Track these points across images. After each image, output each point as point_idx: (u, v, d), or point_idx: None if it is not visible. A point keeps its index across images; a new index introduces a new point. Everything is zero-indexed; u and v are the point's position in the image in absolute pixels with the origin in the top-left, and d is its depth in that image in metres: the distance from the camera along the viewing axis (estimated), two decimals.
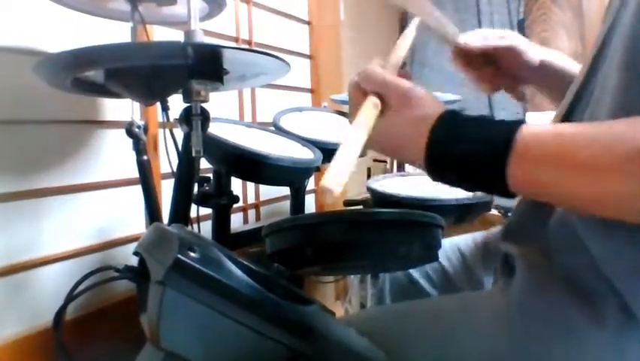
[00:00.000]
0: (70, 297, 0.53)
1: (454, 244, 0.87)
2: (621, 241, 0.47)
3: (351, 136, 0.48)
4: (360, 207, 1.26)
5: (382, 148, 0.55)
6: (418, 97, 0.51)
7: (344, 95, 1.62)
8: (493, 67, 0.79)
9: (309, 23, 1.97)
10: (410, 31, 0.69)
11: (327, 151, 1.18)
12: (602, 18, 0.56)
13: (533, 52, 0.78)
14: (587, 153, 0.42)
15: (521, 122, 0.46)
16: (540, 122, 0.72)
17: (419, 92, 0.52)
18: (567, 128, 0.47)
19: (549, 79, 0.79)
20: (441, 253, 0.83)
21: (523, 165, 0.44)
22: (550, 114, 0.63)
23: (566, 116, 0.56)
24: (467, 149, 0.47)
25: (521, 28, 2.52)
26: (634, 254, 0.47)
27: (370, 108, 0.51)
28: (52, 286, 1.02)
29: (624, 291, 0.47)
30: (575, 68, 0.77)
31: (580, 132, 0.44)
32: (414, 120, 0.50)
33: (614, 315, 0.48)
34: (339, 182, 0.43)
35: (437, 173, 0.50)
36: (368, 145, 0.52)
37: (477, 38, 0.78)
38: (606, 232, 0.48)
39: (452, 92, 1.51)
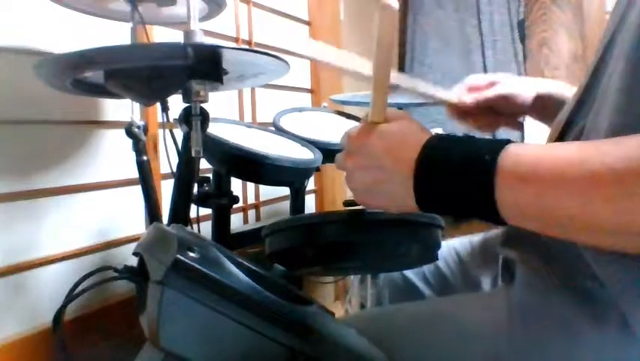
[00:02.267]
0: (69, 297, 0.53)
1: (451, 246, 0.87)
2: (620, 255, 0.46)
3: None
4: (360, 207, 1.26)
5: (370, 197, 0.54)
6: (389, 159, 0.49)
7: (344, 95, 1.62)
8: (489, 112, 0.81)
9: (309, 23, 1.97)
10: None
11: (327, 151, 1.18)
12: (608, 20, 0.55)
13: (526, 90, 0.79)
14: (576, 173, 0.40)
15: (508, 141, 0.44)
16: (538, 129, 0.72)
17: (387, 143, 0.50)
18: (556, 147, 0.45)
19: (546, 109, 0.79)
20: (438, 255, 0.83)
21: (511, 190, 0.43)
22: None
23: (568, 122, 0.56)
24: (454, 192, 0.45)
25: (521, 28, 2.52)
26: (631, 264, 0.46)
27: None
28: (51, 286, 1.02)
29: (620, 299, 0.47)
30: (568, 92, 0.77)
31: (569, 151, 0.42)
32: (391, 174, 0.49)
33: (613, 318, 0.48)
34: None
35: (425, 204, 0.48)
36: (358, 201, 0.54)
37: (469, 94, 0.80)
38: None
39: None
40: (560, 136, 0.56)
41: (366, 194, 0.53)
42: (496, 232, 0.84)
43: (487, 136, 0.57)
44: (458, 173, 0.45)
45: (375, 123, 0.52)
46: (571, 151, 0.42)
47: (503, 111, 0.81)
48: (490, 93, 0.79)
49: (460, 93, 0.81)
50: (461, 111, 0.81)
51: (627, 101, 0.44)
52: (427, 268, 0.86)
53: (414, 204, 0.48)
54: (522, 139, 1.02)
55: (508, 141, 0.44)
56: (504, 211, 0.43)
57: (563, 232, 0.43)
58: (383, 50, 0.50)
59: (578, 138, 0.52)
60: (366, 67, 0.58)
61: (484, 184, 0.43)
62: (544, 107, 0.80)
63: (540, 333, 0.52)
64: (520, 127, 0.86)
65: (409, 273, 0.86)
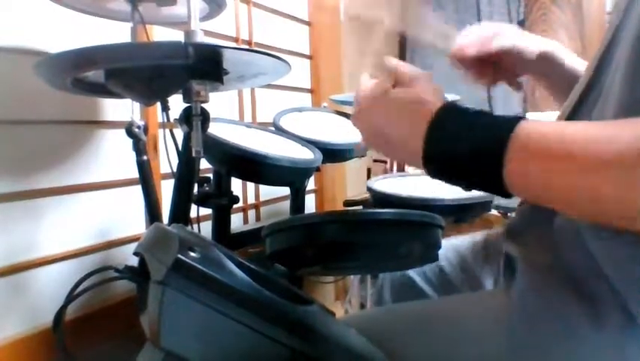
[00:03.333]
0: (70, 297, 0.53)
1: (453, 246, 0.87)
2: (623, 243, 0.47)
3: None
4: (360, 207, 1.26)
5: (382, 133, 0.54)
6: (422, 81, 0.53)
7: (344, 96, 1.62)
8: (491, 64, 0.79)
9: (309, 23, 1.97)
10: None
11: (327, 151, 1.18)
12: (609, 17, 0.55)
13: (531, 46, 0.77)
14: (583, 152, 0.41)
15: (520, 118, 0.45)
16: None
17: (426, 81, 0.53)
18: (567, 125, 0.46)
19: (548, 71, 0.78)
20: (439, 255, 0.83)
21: (520, 163, 0.44)
22: (550, 114, 0.63)
23: (571, 116, 0.56)
24: (463, 148, 0.46)
25: (521, 28, 2.52)
26: (636, 256, 0.47)
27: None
28: (52, 286, 1.02)
29: (625, 293, 0.47)
30: (573, 59, 0.77)
31: (579, 130, 0.43)
32: (416, 101, 0.51)
33: (614, 316, 0.48)
34: None
35: (433, 168, 0.49)
36: (366, 133, 0.54)
37: (473, 42, 0.78)
38: (609, 234, 0.48)
39: (452, 91, 1.51)
40: (570, 117, 0.56)
41: (376, 136, 0.54)
42: (497, 230, 0.84)
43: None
44: (474, 128, 0.46)
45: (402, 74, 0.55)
46: (581, 129, 0.43)
47: (505, 65, 0.80)
48: (494, 45, 0.78)
49: (464, 40, 0.79)
50: (463, 59, 0.79)
51: (632, 89, 0.45)
52: (428, 268, 0.86)
53: (420, 152, 0.49)
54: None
55: (522, 117, 0.46)
56: (511, 182, 0.44)
57: (570, 209, 0.44)
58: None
59: (588, 119, 0.52)
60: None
61: (496, 150, 0.44)
62: (546, 66, 0.78)
63: (541, 332, 0.52)
64: (519, 87, 0.84)
65: (411, 272, 0.86)
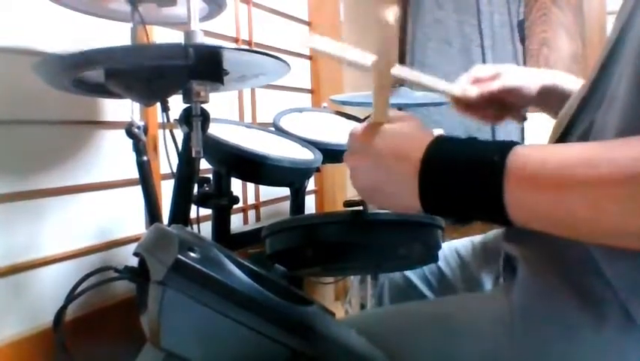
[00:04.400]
0: (70, 297, 0.53)
1: (452, 247, 0.87)
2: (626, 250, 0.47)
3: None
4: (360, 208, 1.26)
5: (376, 197, 0.54)
6: (392, 159, 0.49)
7: (344, 96, 1.62)
8: (494, 103, 0.81)
9: (309, 23, 1.97)
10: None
11: (327, 151, 1.18)
12: (614, 21, 0.55)
13: (531, 81, 0.78)
14: (585, 173, 0.40)
15: (511, 145, 0.44)
16: (541, 122, 0.72)
17: (391, 143, 0.50)
18: (562, 148, 0.45)
19: (550, 101, 0.79)
20: (439, 257, 0.83)
21: (519, 190, 0.42)
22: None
23: (573, 119, 0.56)
24: (459, 196, 0.45)
25: (521, 28, 2.52)
26: (636, 258, 0.46)
27: None
28: (52, 286, 1.02)
29: (625, 294, 0.47)
30: (574, 84, 0.77)
31: (577, 152, 0.42)
32: (397, 163, 0.49)
33: (615, 317, 0.48)
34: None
35: (432, 209, 0.48)
36: (362, 196, 0.54)
37: (473, 85, 0.79)
38: None
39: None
40: (565, 132, 0.56)
41: (371, 193, 0.53)
42: (497, 231, 0.84)
43: (488, 133, 0.57)
44: (465, 173, 0.45)
45: (378, 124, 0.52)
46: (578, 152, 0.42)
47: (508, 103, 0.81)
48: (494, 86, 0.78)
49: (465, 85, 0.80)
50: (465, 104, 0.80)
51: (637, 100, 0.44)
52: (427, 269, 0.86)
53: (418, 205, 0.48)
54: (522, 134, 1.03)
55: (515, 143, 0.44)
56: (512, 212, 0.43)
57: (571, 232, 0.43)
58: (383, 56, 0.50)
59: (584, 134, 0.52)
60: (368, 59, 0.58)
61: (493, 185, 0.43)
62: (548, 98, 0.79)
63: (541, 333, 0.52)
64: (523, 119, 0.85)
65: (410, 273, 0.86)
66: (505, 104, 0.81)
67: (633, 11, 0.49)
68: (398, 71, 0.69)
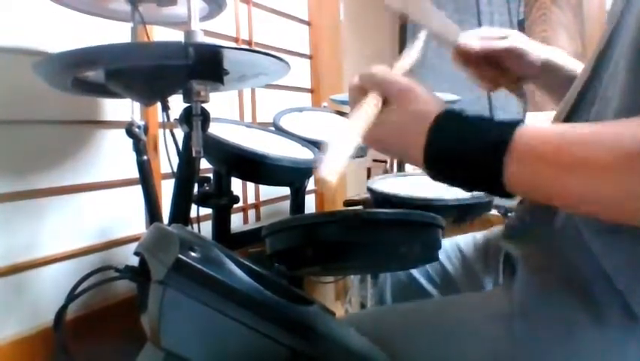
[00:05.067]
0: (70, 297, 0.53)
1: (455, 244, 0.87)
2: (625, 241, 0.47)
3: (348, 126, 0.48)
4: (360, 207, 1.26)
5: (382, 145, 0.54)
6: (418, 93, 0.51)
7: (344, 96, 1.62)
8: (494, 66, 0.79)
9: (309, 23, 1.97)
10: (418, 43, 0.69)
11: None
12: (606, 18, 0.56)
13: (535, 52, 0.77)
14: (585, 153, 0.41)
15: (520, 121, 0.45)
16: (540, 122, 0.72)
17: (420, 89, 0.51)
18: (566, 128, 0.46)
19: (550, 78, 0.78)
20: (441, 253, 0.82)
21: (520, 164, 0.44)
22: (551, 114, 0.63)
23: (569, 116, 0.56)
24: (464, 149, 0.46)
25: (521, 28, 2.52)
26: (637, 255, 0.47)
27: (370, 104, 0.51)
28: (52, 286, 1.02)
29: (626, 291, 0.47)
30: (575, 66, 0.76)
31: (579, 132, 0.44)
32: (413, 116, 0.50)
33: (616, 316, 0.48)
34: (335, 170, 0.43)
35: (434, 172, 0.49)
36: (367, 142, 0.52)
37: (477, 39, 0.78)
38: (610, 233, 0.48)
39: (452, 92, 1.51)
40: (567, 118, 0.56)
41: (377, 127, 0.52)
42: (498, 229, 0.84)
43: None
44: (474, 132, 0.46)
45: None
46: (583, 131, 0.43)
47: (509, 68, 0.79)
48: (501, 44, 0.77)
49: (470, 38, 0.78)
50: (466, 57, 0.78)
51: (636, 80, 0.45)
52: (431, 266, 0.86)
53: (420, 159, 0.49)
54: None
55: (521, 121, 0.46)
56: (510, 181, 0.44)
57: (567, 207, 0.45)
58: None
59: (586, 120, 0.52)
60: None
61: (498, 147, 0.44)
62: (548, 73, 0.78)
63: (541, 332, 0.52)
64: (521, 95, 0.84)
65: (414, 271, 0.86)
66: (505, 70, 0.79)
67: (623, 13, 0.49)
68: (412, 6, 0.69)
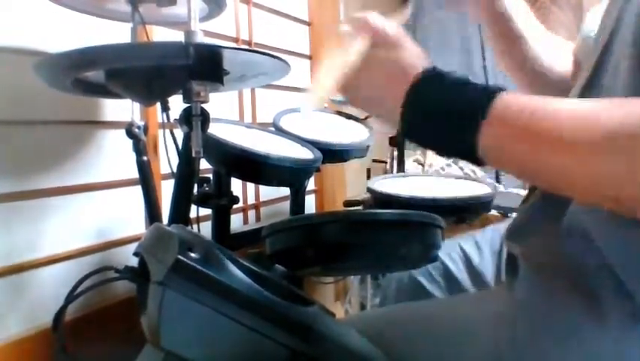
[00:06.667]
0: (70, 297, 0.53)
1: (457, 243, 0.87)
2: (635, 239, 0.47)
3: (332, 63, 0.48)
4: (360, 207, 1.26)
5: (359, 94, 0.54)
6: (407, 45, 0.51)
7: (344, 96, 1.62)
8: None
9: (309, 24, 1.97)
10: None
11: (327, 151, 1.18)
12: (604, 17, 0.55)
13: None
14: (566, 129, 0.41)
15: (501, 89, 0.45)
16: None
17: (409, 41, 0.52)
18: (549, 102, 0.45)
19: (502, 22, 0.78)
20: (443, 253, 0.83)
21: (495, 134, 0.44)
22: None
23: None
24: (442, 110, 0.46)
25: None
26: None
27: (357, 46, 0.51)
28: (52, 286, 1.02)
29: (634, 291, 0.47)
30: (521, 25, 0.76)
31: (563, 108, 0.43)
32: (397, 66, 0.50)
33: (620, 316, 0.48)
34: (315, 99, 0.43)
35: (409, 128, 0.49)
36: (346, 88, 0.52)
37: None
38: (619, 231, 0.47)
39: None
40: None
41: (354, 88, 0.53)
42: (500, 227, 0.84)
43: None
44: (452, 93, 0.46)
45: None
46: (565, 104, 0.43)
47: None
48: None
49: None
50: None
51: (637, 76, 0.45)
52: (433, 267, 0.86)
53: (397, 112, 0.48)
54: None
55: (504, 89, 0.45)
56: (484, 149, 0.44)
57: (543, 183, 0.45)
58: None
59: None
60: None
61: (474, 111, 0.44)
62: (503, 24, 0.78)
63: (545, 332, 0.52)
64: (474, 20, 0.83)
65: (415, 271, 0.86)
66: None
67: (621, 12, 0.49)
68: None
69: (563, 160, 0.41)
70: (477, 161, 0.46)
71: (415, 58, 0.51)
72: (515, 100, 0.44)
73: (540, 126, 0.42)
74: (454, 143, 0.47)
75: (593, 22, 0.66)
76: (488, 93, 0.45)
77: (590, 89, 0.53)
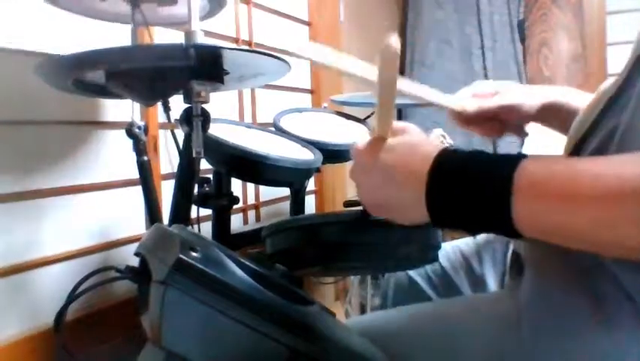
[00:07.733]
0: (71, 297, 0.53)
1: (455, 246, 0.87)
2: None
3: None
4: (360, 208, 1.26)
5: (382, 211, 0.54)
6: (399, 173, 0.50)
7: (344, 96, 1.62)
8: (494, 118, 0.79)
9: (309, 24, 1.97)
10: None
11: (328, 152, 1.18)
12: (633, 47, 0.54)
13: (531, 100, 0.77)
14: (592, 187, 0.40)
15: (520, 157, 0.44)
16: (539, 132, 0.70)
17: (398, 158, 0.50)
18: (573, 162, 0.45)
19: (553, 117, 0.78)
20: (442, 255, 0.83)
21: (528, 206, 0.43)
22: (550, 137, 0.63)
23: (595, 123, 0.54)
24: (467, 206, 0.45)
25: (521, 28, 2.52)
26: None
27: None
28: (53, 286, 1.02)
29: (636, 294, 0.47)
30: (576, 99, 0.75)
31: (587, 166, 0.43)
32: (404, 174, 0.49)
33: (625, 319, 0.48)
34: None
35: (447, 229, 0.49)
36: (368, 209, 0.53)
37: (470, 98, 0.78)
38: None
39: (452, 92, 1.51)
40: (584, 137, 0.55)
41: (379, 208, 0.53)
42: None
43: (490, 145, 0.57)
44: (473, 185, 0.45)
45: (382, 138, 0.52)
46: (586, 166, 0.43)
47: (507, 119, 0.80)
48: (492, 103, 0.78)
49: (464, 98, 0.79)
50: (465, 118, 0.80)
51: None
52: (431, 268, 0.86)
53: (426, 218, 0.48)
54: (522, 142, 1.00)
55: (522, 155, 0.44)
56: (520, 225, 0.43)
57: (577, 244, 0.44)
58: (385, 83, 0.50)
59: (607, 138, 0.51)
60: (370, 72, 0.57)
61: (501, 198, 0.43)
62: (550, 115, 0.78)
63: (548, 334, 0.52)
64: (524, 135, 0.84)
65: (414, 274, 0.86)
66: (505, 120, 0.80)
67: None
68: (399, 84, 0.70)
69: (602, 219, 0.40)
70: (514, 234, 0.44)
71: (418, 150, 0.50)
72: (539, 164, 0.44)
73: (574, 187, 0.41)
74: (492, 228, 0.46)
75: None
76: (510, 161, 0.44)
77: (622, 93, 0.51)
